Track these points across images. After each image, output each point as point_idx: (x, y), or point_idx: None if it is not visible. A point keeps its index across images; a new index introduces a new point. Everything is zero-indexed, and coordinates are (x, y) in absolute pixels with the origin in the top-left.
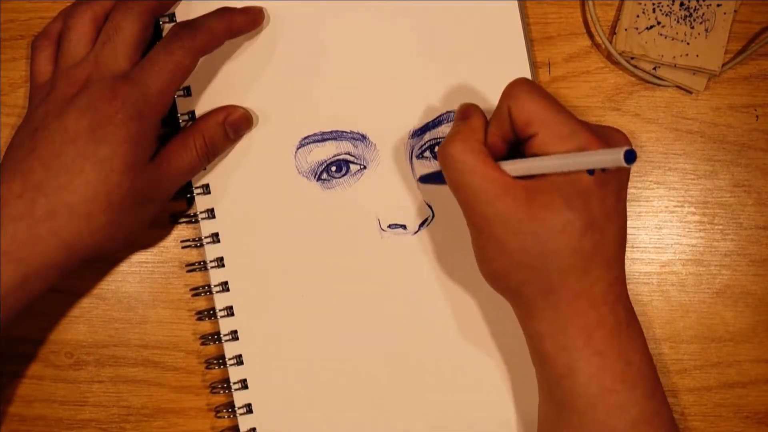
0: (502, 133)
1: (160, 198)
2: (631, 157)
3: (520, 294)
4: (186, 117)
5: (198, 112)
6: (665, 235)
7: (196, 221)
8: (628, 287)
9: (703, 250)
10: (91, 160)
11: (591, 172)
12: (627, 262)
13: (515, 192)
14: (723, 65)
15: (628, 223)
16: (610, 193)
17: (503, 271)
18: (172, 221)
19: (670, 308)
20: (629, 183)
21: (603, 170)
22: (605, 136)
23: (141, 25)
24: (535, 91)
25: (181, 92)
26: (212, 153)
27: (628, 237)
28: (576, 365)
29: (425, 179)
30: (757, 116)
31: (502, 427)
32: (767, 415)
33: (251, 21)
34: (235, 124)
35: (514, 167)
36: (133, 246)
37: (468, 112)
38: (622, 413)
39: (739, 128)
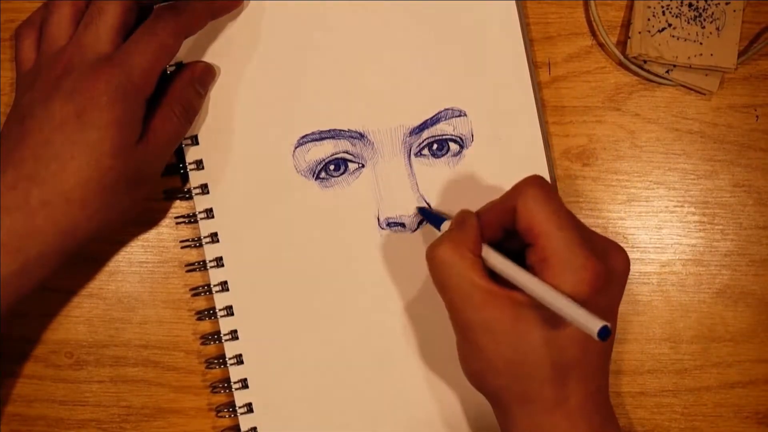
0: (501, 222)
1: (152, 174)
2: (605, 333)
3: (497, 398)
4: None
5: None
6: (665, 235)
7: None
8: (628, 287)
9: (703, 250)
10: (80, 146)
11: None
12: None
13: (501, 302)
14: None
15: (629, 223)
16: (597, 310)
17: (482, 374)
18: (167, 198)
19: (670, 308)
20: (628, 184)
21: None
22: (606, 257)
23: (123, 8)
24: (545, 197)
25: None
26: (191, 115)
27: (629, 237)
28: None
29: (423, 213)
30: (757, 116)
31: None
32: (767, 415)
33: (232, 2)
34: (201, 79)
35: (500, 266)
36: (133, 224)
37: (463, 217)
38: None
39: (740, 128)
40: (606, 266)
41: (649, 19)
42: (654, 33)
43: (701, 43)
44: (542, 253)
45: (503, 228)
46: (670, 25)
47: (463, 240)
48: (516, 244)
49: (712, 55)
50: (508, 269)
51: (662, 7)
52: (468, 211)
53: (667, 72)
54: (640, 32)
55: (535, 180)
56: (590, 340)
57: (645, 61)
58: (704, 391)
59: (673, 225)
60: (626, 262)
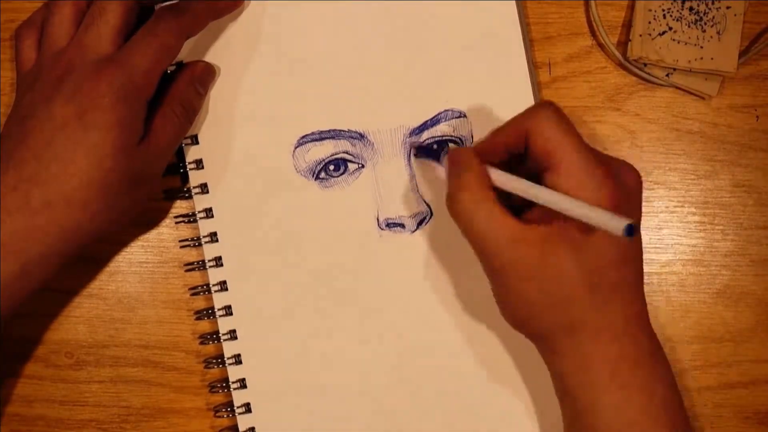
0: (508, 147)
1: (153, 175)
2: (630, 231)
3: (543, 337)
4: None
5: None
6: (665, 236)
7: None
8: None
9: (703, 251)
10: (81, 147)
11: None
12: None
13: (530, 239)
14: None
15: None
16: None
17: (527, 317)
18: (167, 197)
19: (671, 308)
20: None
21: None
22: (618, 172)
23: (125, 8)
24: (561, 119)
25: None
26: (192, 115)
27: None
28: (599, 400)
29: (420, 151)
30: (757, 116)
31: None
32: (767, 415)
33: (234, 2)
34: (201, 78)
35: (518, 186)
36: (133, 225)
37: (464, 157)
38: None
39: (740, 128)
40: (621, 182)
41: (650, 22)
42: (655, 36)
43: (702, 47)
44: (560, 174)
45: (508, 151)
46: (670, 28)
47: (477, 181)
48: (522, 171)
49: (712, 59)
50: (526, 187)
51: (663, 10)
52: (462, 148)
53: (667, 75)
54: (641, 35)
55: (548, 103)
56: (620, 262)
57: (645, 64)
58: (704, 391)
59: (674, 225)
60: (638, 177)
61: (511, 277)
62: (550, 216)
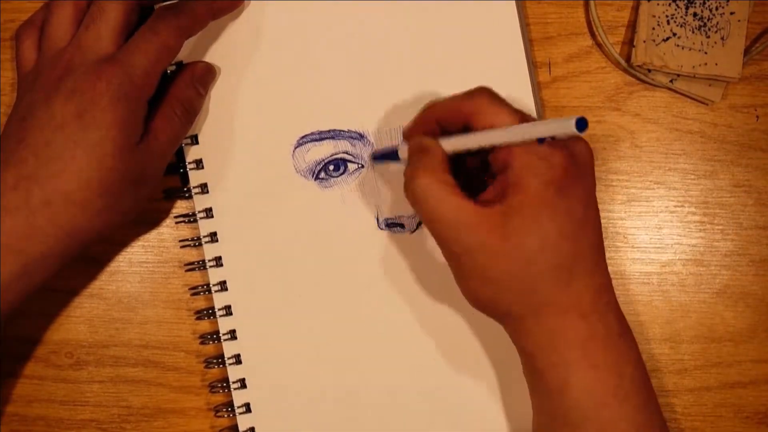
0: (441, 121)
1: (153, 175)
2: (582, 125)
3: (509, 316)
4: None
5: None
6: (665, 235)
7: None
8: (628, 287)
9: (703, 250)
10: (81, 146)
11: (541, 140)
12: (627, 262)
13: (489, 218)
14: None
15: (629, 223)
16: (576, 201)
17: (490, 297)
18: (167, 197)
19: (671, 308)
20: (628, 184)
21: (552, 138)
22: (566, 143)
23: (125, 8)
24: (500, 102)
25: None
26: (192, 115)
27: (629, 237)
28: (569, 380)
29: (377, 157)
30: (757, 116)
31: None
32: (767, 415)
33: (233, 2)
34: (201, 79)
35: (458, 141)
36: (134, 224)
37: (423, 142)
38: (613, 428)
39: (740, 128)
40: (570, 152)
41: (653, 28)
42: (659, 42)
43: (706, 53)
44: (507, 152)
45: (441, 126)
46: (674, 34)
47: (435, 164)
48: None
49: (716, 64)
50: (480, 138)
51: (667, 16)
52: (422, 136)
53: (671, 81)
54: (644, 41)
55: (484, 88)
56: (578, 231)
57: (649, 70)
58: (704, 391)
59: (674, 225)
60: (588, 148)
61: (475, 258)
62: (506, 192)
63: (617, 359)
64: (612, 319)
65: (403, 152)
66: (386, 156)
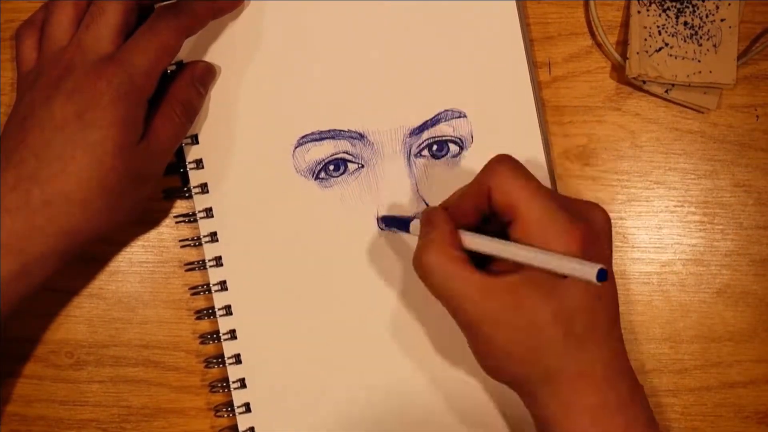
0: (476, 205)
1: (153, 174)
2: (603, 276)
3: (521, 385)
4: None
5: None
6: (665, 235)
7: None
8: (628, 287)
9: (703, 250)
10: (81, 146)
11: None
12: (627, 262)
13: (498, 291)
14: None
15: (629, 222)
16: None
17: (500, 367)
18: (167, 197)
19: (671, 308)
20: (628, 183)
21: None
22: (585, 217)
23: (125, 7)
24: (517, 172)
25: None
26: (192, 115)
27: (629, 237)
28: None
29: (388, 222)
30: (757, 116)
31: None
32: (767, 415)
33: (233, 2)
34: (201, 78)
35: (485, 246)
36: (134, 224)
37: (433, 217)
38: None
39: (740, 128)
40: (588, 224)
41: (645, 39)
42: (652, 53)
43: (699, 61)
44: (524, 226)
45: (478, 211)
46: (667, 44)
47: (443, 239)
48: (493, 228)
49: (710, 72)
50: (494, 245)
51: (658, 26)
52: (433, 208)
53: (666, 91)
54: (638, 53)
55: (503, 157)
56: (595, 303)
57: (645, 81)
58: (704, 391)
59: (674, 225)
60: (605, 216)
61: (482, 329)
62: (518, 264)
63: (629, 423)
64: (623, 385)
65: (415, 229)
66: (397, 224)
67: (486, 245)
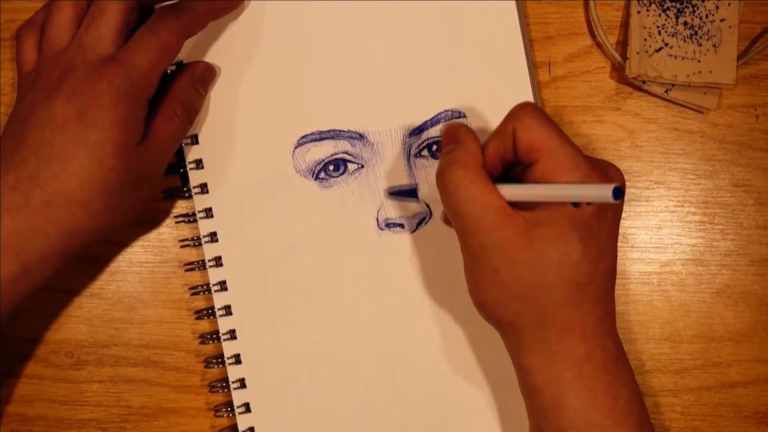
0: (501, 153)
1: (154, 175)
2: (618, 193)
3: (511, 325)
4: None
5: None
6: (665, 235)
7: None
8: (627, 287)
9: (703, 250)
10: (82, 147)
11: (576, 204)
12: (627, 262)
13: (515, 223)
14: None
15: (629, 222)
16: (605, 227)
17: (496, 300)
18: (167, 197)
19: (670, 308)
20: (628, 183)
21: (588, 203)
22: (603, 171)
23: (125, 8)
24: (542, 116)
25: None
26: (192, 115)
27: (629, 237)
28: (564, 399)
29: (394, 193)
30: (757, 116)
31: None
32: (767, 415)
33: (234, 2)
34: (201, 79)
35: (512, 192)
36: (134, 225)
37: (460, 133)
38: None
39: (739, 128)
40: (606, 175)
41: (645, 39)
42: (651, 53)
43: (699, 61)
44: (546, 168)
45: (503, 160)
46: (666, 44)
47: (469, 158)
48: (515, 175)
49: (710, 72)
50: (519, 190)
51: (657, 26)
52: (455, 122)
53: (666, 92)
54: (637, 53)
55: (528, 104)
56: (600, 258)
57: (644, 81)
58: (704, 391)
59: (673, 225)
60: (621, 174)
61: (492, 257)
62: (539, 205)
63: (613, 382)
64: (610, 344)
65: (423, 194)
66: (404, 193)
67: (516, 192)
